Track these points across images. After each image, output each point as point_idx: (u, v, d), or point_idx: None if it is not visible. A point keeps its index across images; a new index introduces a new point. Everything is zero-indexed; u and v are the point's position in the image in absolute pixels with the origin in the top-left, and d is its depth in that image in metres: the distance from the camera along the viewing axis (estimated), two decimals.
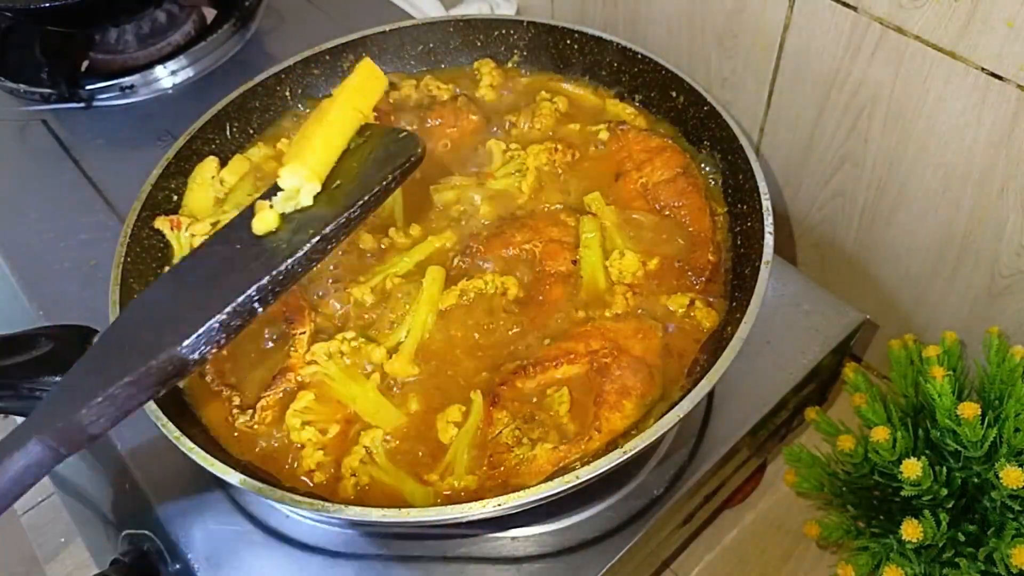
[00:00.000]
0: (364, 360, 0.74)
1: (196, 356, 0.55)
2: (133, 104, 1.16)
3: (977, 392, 0.83)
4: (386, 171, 0.66)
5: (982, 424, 0.74)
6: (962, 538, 0.75)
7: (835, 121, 0.93)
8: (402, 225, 0.84)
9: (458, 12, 1.27)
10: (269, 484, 0.62)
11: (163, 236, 0.85)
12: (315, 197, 0.66)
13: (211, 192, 0.89)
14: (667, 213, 0.83)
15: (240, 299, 0.57)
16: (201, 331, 0.55)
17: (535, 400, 0.70)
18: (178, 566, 0.75)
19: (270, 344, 0.76)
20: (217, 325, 0.56)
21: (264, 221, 0.64)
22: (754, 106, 1.02)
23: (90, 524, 0.98)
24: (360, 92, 0.73)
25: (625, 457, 0.61)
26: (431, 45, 1.02)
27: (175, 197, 0.88)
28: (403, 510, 0.59)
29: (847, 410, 0.88)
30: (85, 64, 1.19)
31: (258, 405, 0.71)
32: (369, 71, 0.75)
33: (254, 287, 0.58)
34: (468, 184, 0.87)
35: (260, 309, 0.59)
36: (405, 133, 0.70)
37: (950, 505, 0.76)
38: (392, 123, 0.95)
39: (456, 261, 0.80)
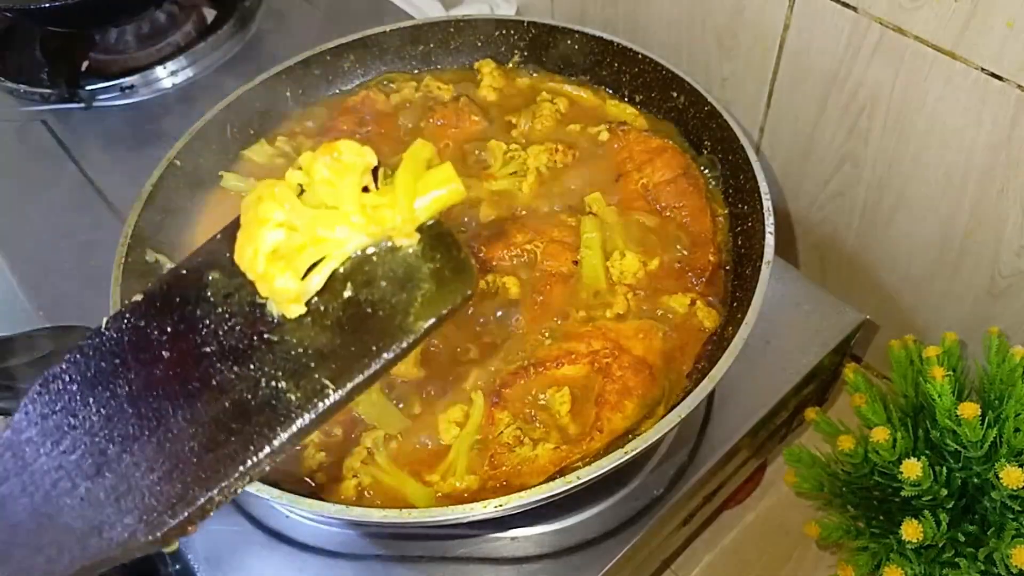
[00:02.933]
0: None
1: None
2: (133, 104, 1.16)
3: (977, 392, 0.83)
4: (435, 310, 0.45)
5: (982, 424, 0.74)
6: (962, 538, 0.75)
7: (835, 121, 0.93)
8: None
9: (458, 12, 1.26)
10: (270, 485, 0.62)
11: None
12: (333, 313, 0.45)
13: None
14: (668, 214, 0.83)
15: (229, 480, 0.41)
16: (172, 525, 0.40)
17: (536, 400, 0.70)
18: (178, 566, 0.75)
19: None
20: (184, 517, 0.40)
21: (289, 296, 0.44)
22: (754, 106, 1.02)
23: None
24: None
25: (626, 457, 0.61)
26: (431, 45, 1.02)
27: (175, 197, 0.88)
28: (404, 511, 0.59)
29: (847, 410, 0.88)
30: (85, 64, 1.19)
31: None
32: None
33: (249, 462, 0.41)
34: (469, 184, 0.86)
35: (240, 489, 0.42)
36: (463, 257, 0.46)
37: (950, 505, 0.76)
38: (392, 124, 0.95)
39: None
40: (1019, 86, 0.74)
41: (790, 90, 0.96)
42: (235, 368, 0.44)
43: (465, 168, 0.89)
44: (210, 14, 1.27)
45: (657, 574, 0.97)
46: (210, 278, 0.46)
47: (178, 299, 0.46)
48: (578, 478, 0.60)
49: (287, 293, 0.43)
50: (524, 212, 0.84)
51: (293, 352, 0.44)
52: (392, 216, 0.44)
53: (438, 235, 0.46)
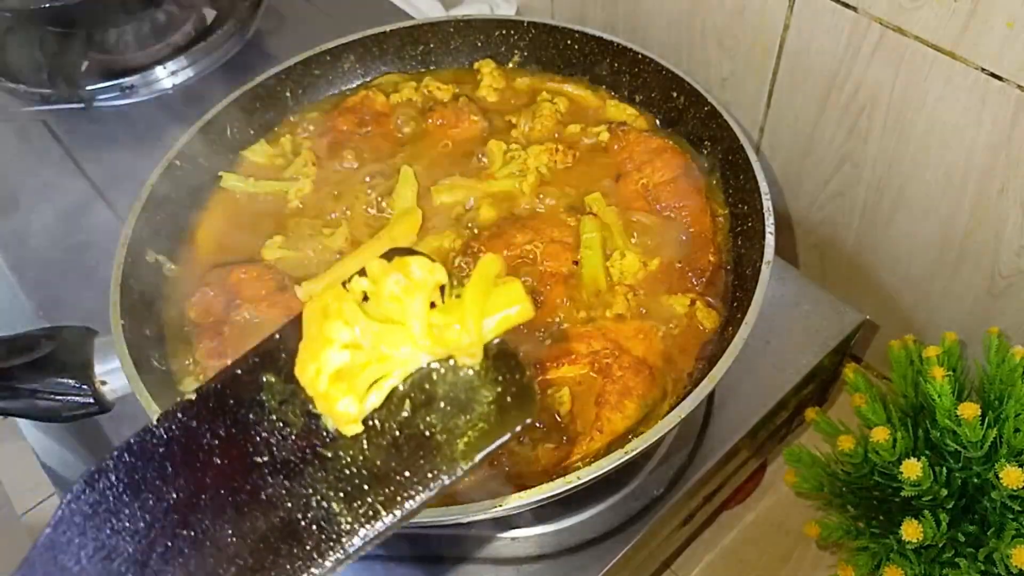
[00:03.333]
0: None
1: None
2: (133, 105, 1.16)
3: (977, 392, 0.83)
4: (493, 438, 0.42)
5: (982, 424, 0.74)
6: (962, 538, 0.75)
7: (835, 121, 0.93)
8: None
9: (458, 12, 1.27)
10: None
11: None
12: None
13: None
14: (668, 214, 0.83)
15: None
16: None
17: None
18: None
19: None
20: None
21: (348, 419, 0.42)
22: (754, 106, 1.02)
23: None
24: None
25: (626, 457, 0.61)
26: (431, 45, 1.02)
27: (174, 197, 0.88)
28: None
29: (847, 410, 0.88)
30: (85, 64, 1.19)
31: None
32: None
33: None
34: (469, 184, 0.86)
35: None
36: (526, 382, 0.44)
37: (950, 505, 0.76)
38: (392, 124, 0.95)
39: (457, 261, 0.80)
40: (1019, 86, 0.74)
41: (790, 90, 0.96)
42: (286, 483, 0.41)
43: (465, 169, 0.89)
44: (210, 14, 1.27)
45: (657, 574, 0.97)
46: (265, 380, 0.44)
47: (232, 401, 0.43)
48: (578, 478, 0.60)
49: (347, 417, 0.41)
50: (524, 212, 0.84)
51: (347, 471, 0.41)
52: (459, 336, 0.42)
53: (502, 354, 0.44)
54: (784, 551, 1.00)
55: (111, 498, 0.42)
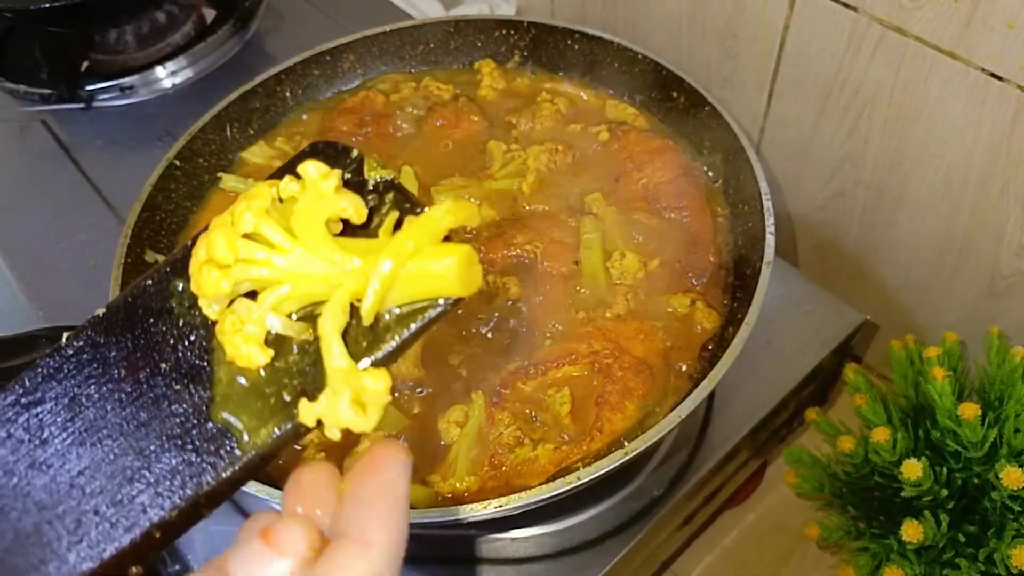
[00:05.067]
0: None
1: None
2: (133, 105, 1.16)
3: (977, 393, 0.83)
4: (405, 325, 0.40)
5: (982, 425, 0.74)
6: (962, 539, 0.75)
7: (835, 121, 0.93)
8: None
9: (458, 12, 1.26)
10: (270, 485, 0.62)
11: None
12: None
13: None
14: (668, 214, 0.83)
15: (166, 512, 0.38)
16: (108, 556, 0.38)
17: (537, 401, 0.70)
18: (177, 567, 0.75)
19: None
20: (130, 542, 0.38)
21: (248, 358, 0.40)
22: (754, 106, 1.02)
23: None
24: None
25: (626, 458, 0.61)
26: (431, 45, 1.02)
27: (174, 197, 0.88)
28: None
29: (848, 411, 0.88)
30: (85, 64, 1.19)
31: None
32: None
33: (190, 493, 0.39)
34: (469, 185, 0.86)
35: (207, 513, 0.40)
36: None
37: (950, 506, 0.76)
38: (392, 125, 0.95)
39: None
40: (1019, 86, 0.74)
41: (790, 90, 0.96)
42: (191, 388, 0.41)
43: (465, 169, 0.89)
44: (210, 14, 1.27)
45: (657, 574, 0.97)
46: (178, 287, 0.43)
47: (141, 311, 0.43)
48: (578, 479, 0.60)
49: (213, 289, 0.39)
50: (524, 212, 0.84)
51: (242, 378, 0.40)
52: (365, 270, 0.38)
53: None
54: (784, 551, 0.99)
55: (15, 423, 0.42)
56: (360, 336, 0.39)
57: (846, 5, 0.83)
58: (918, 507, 0.76)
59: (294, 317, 0.40)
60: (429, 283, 0.39)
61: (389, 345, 0.39)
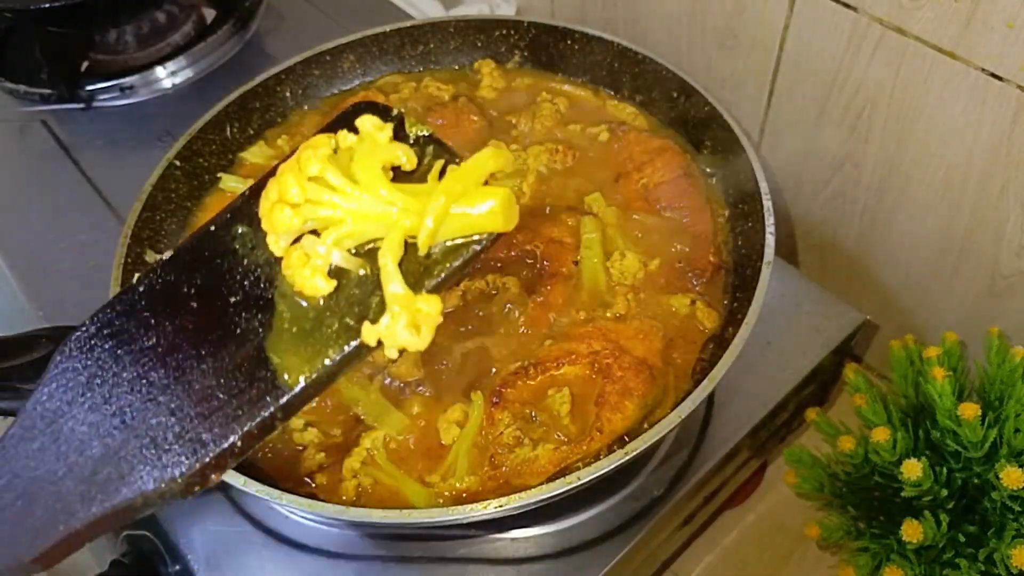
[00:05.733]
0: (368, 362, 0.74)
1: (192, 489, 0.42)
2: (133, 105, 1.16)
3: (977, 393, 0.83)
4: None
5: (982, 425, 0.74)
6: (962, 539, 0.75)
7: (835, 121, 0.93)
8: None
9: (458, 12, 1.27)
10: (270, 485, 0.62)
11: None
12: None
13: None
14: (668, 214, 0.83)
15: (270, 411, 0.43)
16: (212, 457, 0.42)
17: (536, 401, 0.70)
18: (178, 567, 0.75)
19: None
20: (234, 449, 0.42)
21: (313, 288, 0.44)
22: (754, 106, 1.02)
23: None
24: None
25: (626, 458, 0.61)
26: (431, 45, 1.02)
27: (174, 197, 0.88)
28: (404, 511, 0.59)
29: (848, 411, 0.88)
30: (85, 64, 1.19)
31: None
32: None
33: (268, 410, 0.43)
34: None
35: (280, 427, 0.44)
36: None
37: (950, 506, 0.76)
38: None
39: None
40: (1019, 86, 0.74)
41: (790, 90, 0.96)
42: (259, 316, 0.45)
43: None
44: (210, 14, 1.27)
45: (657, 574, 0.97)
46: (238, 231, 0.47)
47: (207, 253, 0.47)
48: (578, 479, 0.60)
49: (285, 225, 0.43)
50: (524, 212, 0.84)
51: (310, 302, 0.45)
52: (419, 209, 0.44)
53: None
54: (784, 552, 0.99)
55: (95, 354, 0.45)
56: (414, 268, 0.45)
57: (846, 5, 0.83)
58: (918, 507, 0.76)
59: (353, 252, 0.45)
60: (475, 220, 0.45)
61: (440, 275, 0.45)
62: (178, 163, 0.87)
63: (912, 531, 0.72)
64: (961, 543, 0.75)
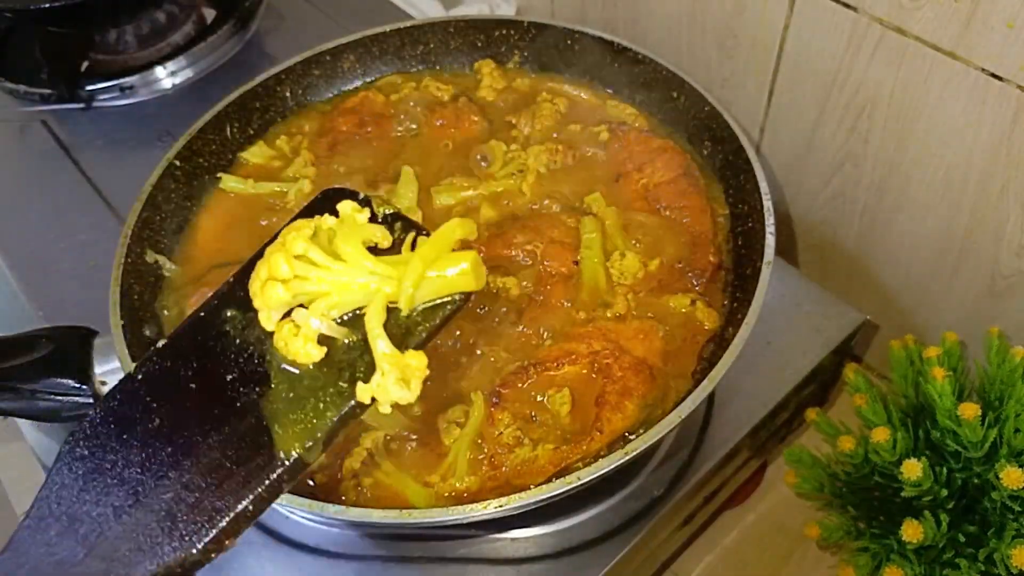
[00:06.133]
0: None
1: (204, 560, 0.44)
2: (133, 105, 1.16)
3: (977, 393, 0.83)
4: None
5: (982, 425, 0.74)
6: (962, 539, 0.75)
7: (835, 121, 0.93)
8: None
9: (458, 12, 1.27)
10: None
11: None
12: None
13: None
14: (668, 214, 0.83)
15: (272, 478, 0.45)
16: (220, 528, 0.44)
17: (536, 401, 0.70)
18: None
19: None
20: (241, 519, 0.44)
21: (306, 355, 0.49)
22: (754, 106, 1.02)
23: None
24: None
25: (626, 458, 0.61)
26: (431, 45, 1.02)
27: (174, 197, 0.88)
28: (404, 511, 0.59)
29: (848, 411, 0.88)
30: (85, 64, 1.19)
31: None
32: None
33: (277, 471, 0.46)
34: (469, 185, 0.86)
35: (286, 489, 0.47)
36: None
37: (950, 506, 0.76)
38: (392, 125, 0.95)
39: None
40: (1019, 86, 0.74)
41: (790, 90, 0.96)
42: (256, 388, 0.48)
43: (465, 169, 0.89)
44: (210, 14, 1.27)
45: (657, 574, 0.97)
46: (228, 315, 0.51)
47: (199, 337, 0.51)
48: (578, 479, 0.60)
49: (276, 300, 0.48)
50: (524, 212, 0.84)
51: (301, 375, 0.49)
52: (396, 280, 0.49)
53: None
54: (784, 552, 0.99)
55: (101, 440, 0.48)
56: (397, 331, 0.50)
57: (846, 5, 0.83)
58: (918, 507, 0.76)
59: (339, 322, 0.50)
60: (449, 281, 0.51)
61: (423, 334, 0.51)
62: (178, 163, 0.87)
63: (912, 531, 0.72)
64: (961, 543, 0.75)
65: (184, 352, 0.51)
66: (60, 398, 0.70)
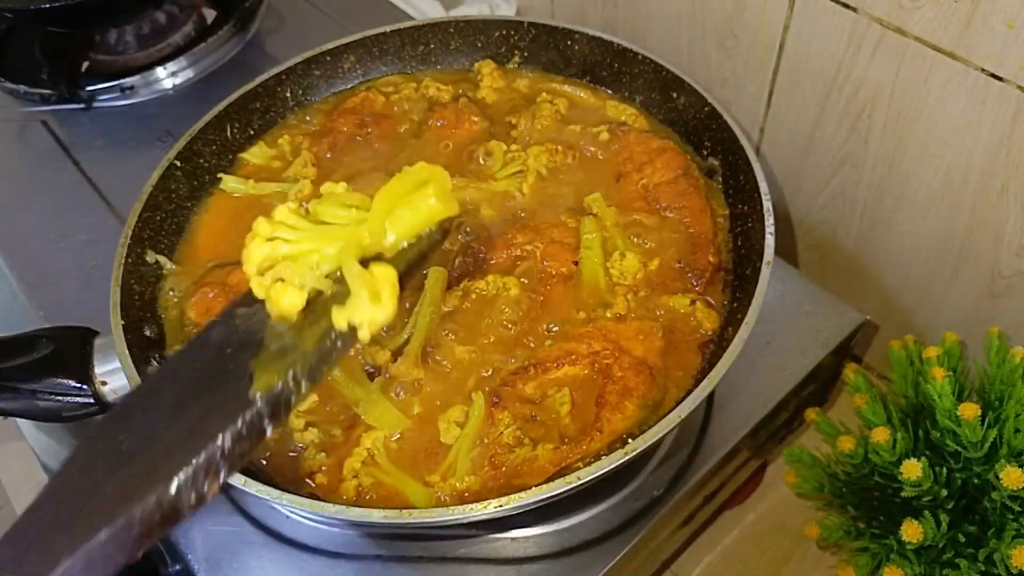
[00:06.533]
0: (368, 362, 0.74)
1: (192, 499, 0.44)
2: (133, 105, 1.16)
3: (977, 393, 0.83)
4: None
5: (982, 425, 0.74)
6: (962, 539, 0.75)
7: (835, 122, 0.93)
8: None
9: (458, 13, 1.27)
10: (270, 485, 0.62)
11: None
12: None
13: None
14: (668, 214, 0.83)
15: (247, 418, 0.46)
16: (197, 463, 0.44)
17: (537, 401, 0.70)
18: (178, 567, 0.75)
19: None
20: (217, 454, 0.45)
21: (289, 302, 0.50)
22: (754, 107, 1.02)
23: None
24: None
25: (626, 458, 0.61)
26: (431, 46, 1.02)
27: (175, 197, 0.88)
28: (404, 511, 0.59)
29: (847, 411, 0.88)
30: (85, 65, 1.19)
31: None
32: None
33: (258, 406, 0.47)
34: (469, 185, 0.86)
35: (271, 429, 0.48)
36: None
37: (950, 506, 0.76)
38: (392, 125, 0.95)
39: (458, 262, 0.80)
40: (1019, 86, 0.74)
41: (790, 90, 0.96)
42: (250, 351, 0.50)
43: (465, 169, 0.89)
44: (210, 15, 1.27)
45: (657, 574, 0.97)
46: (238, 312, 0.54)
47: (211, 339, 0.53)
48: (578, 478, 0.60)
49: (259, 254, 0.51)
50: (524, 213, 0.84)
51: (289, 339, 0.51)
52: (363, 232, 0.51)
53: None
54: (784, 552, 0.99)
55: (140, 398, 0.53)
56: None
57: (846, 5, 0.83)
58: (918, 507, 0.76)
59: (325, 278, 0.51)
60: (418, 214, 0.53)
61: (402, 266, 0.52)
62: (178, 163, 0.87)
63: (912, 531, 0.72)
64: (961, 543, 0.75)
65: (198, 344, 0.53)
66: (60, 398, 0.70)
